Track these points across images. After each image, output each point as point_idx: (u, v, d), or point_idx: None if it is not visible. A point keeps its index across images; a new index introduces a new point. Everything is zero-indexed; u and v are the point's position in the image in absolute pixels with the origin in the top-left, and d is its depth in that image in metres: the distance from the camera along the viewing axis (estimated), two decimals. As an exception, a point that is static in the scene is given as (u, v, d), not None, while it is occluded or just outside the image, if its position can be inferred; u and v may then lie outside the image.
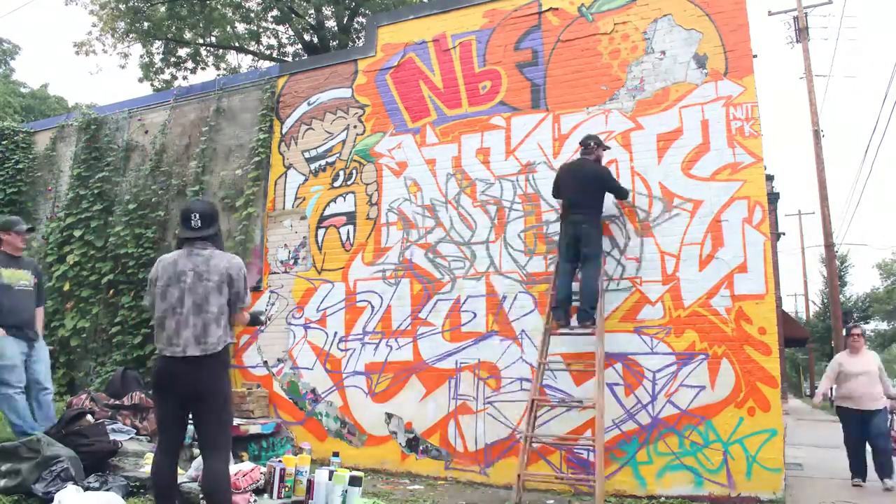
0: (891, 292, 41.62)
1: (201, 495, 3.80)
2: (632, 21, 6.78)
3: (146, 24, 17.71)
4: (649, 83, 6.59)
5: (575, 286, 6.13)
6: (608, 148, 6.42)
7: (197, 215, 3.73)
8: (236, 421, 6.73)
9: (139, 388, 6.86)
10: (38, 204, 10.40)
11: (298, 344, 7.71)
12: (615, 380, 6.15)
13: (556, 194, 6.49)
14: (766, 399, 5.63)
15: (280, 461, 4.14)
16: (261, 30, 19.86)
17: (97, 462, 4.94)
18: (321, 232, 7.89)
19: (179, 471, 4.77)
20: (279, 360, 7.75)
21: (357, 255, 7.63)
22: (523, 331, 6.61)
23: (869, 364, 7.17)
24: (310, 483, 4.12)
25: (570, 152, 6.76)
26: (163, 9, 17.59)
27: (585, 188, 6.11)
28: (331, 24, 19.46)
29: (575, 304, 6.09)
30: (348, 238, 7.73)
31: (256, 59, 20.27)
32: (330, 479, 4.12)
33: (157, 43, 18.96)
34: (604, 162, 6.46)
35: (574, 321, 6.04)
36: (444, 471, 6.66)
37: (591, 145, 6.24)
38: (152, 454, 5.26)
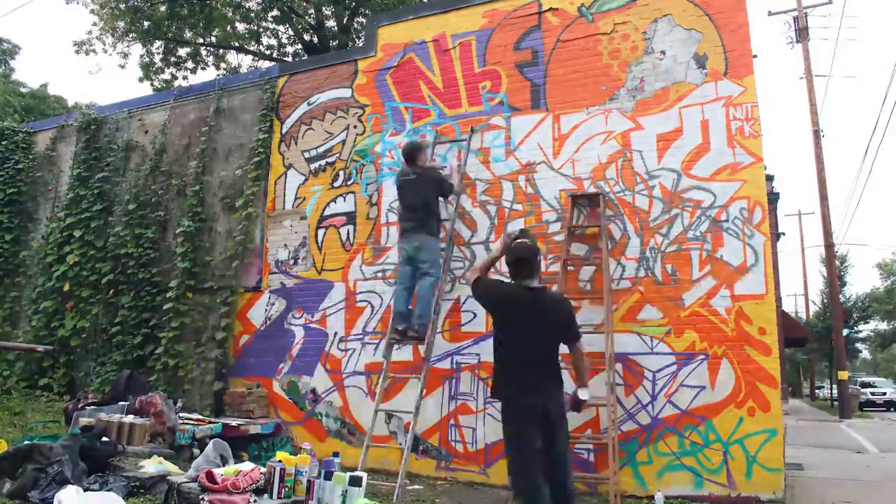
0: (891, 292, 41.56)
1: (201, 496, 3.81)
2: (632, 21, 6.78)
3: (146, 23, 17.71)
4: (649, 83, 6.59)
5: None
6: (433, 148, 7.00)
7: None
8: (236, 421, 6.75)
9: (143, 391, 6.84)
10: (38, 204, 10.41)
11: (298, 344, 7.71)
12: (615, 380, 6.15)
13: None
14: (766, 399, 5.63)
15: (280, 461, 4.14)
16: (261, 30, 19.86)
17: (98, 462, 4.94)
18: (321, 232, 7.89)
19: (179, 471, 4.78)
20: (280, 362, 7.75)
21: (357, 255, 7.63)
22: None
23: None
24: (310, 483, 4.12)
25: (571, 152, 6.77)
26: (163, 8, 17.58)
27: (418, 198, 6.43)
28: (331, 24, 19.45)
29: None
30: (348, 238, 7.73)
31: (256, 59, 20.27)
32: (330, 479, 4.12)
33: (158, 42, 18.95)
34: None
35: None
36: (444, 471, 6.66)
37: (416, 155, 6.59)
38: (154, 455, 5.27)
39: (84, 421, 5.85)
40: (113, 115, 10.03)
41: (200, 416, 7.08)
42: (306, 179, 8.19)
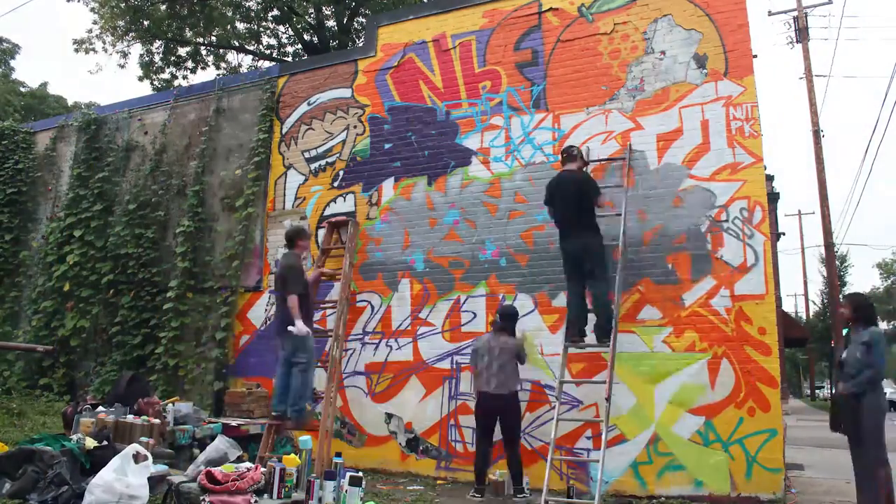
0: (891, 292, 41.60)
1: (202, 496, 3.81)
2: (632, 21, 6.78)
3: (146, 22, 17.69)
4: (649, 83, 6.59)
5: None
6: (586, 161, 6.45)
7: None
8: (236, 421, 6.75)
9: (144, 392, 6.82)
10: (38, 204, 10.41)
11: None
12: (615, 379, 6.14)
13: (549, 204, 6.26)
14: (766, 399, 5.63)
15: (280, 461, 4.14)
16: (261, 29, 19.84)
17: (97, 463, 4.93)
18: (321, 232, 7.88)
19: (177, 472, 4.79)
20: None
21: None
22: (523, 331, 6.61)
23: None
24: (310, 483, 4.12)
25: (570, 152, 6.77)
26: (163, 8, 17.57)
27: (580, 202, 5.91)
28: (331, 24, 19.44)
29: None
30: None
31: (256, 58, 20.24)
32: (330, 479, 4.13)
33: (158, 42, 18.93)
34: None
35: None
36: (444, 471, 6.66)
37: (575, 154, 6.18)
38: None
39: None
40: (113, 115, 10.03)
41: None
42: (306, 179, 8.19)
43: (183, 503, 3.92)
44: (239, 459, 4.58)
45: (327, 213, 7.94)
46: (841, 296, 16.37)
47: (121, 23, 17.37)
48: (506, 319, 6.15)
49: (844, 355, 5.19)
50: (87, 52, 18.13)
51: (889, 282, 43.33)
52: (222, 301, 8.20)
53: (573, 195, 5.90)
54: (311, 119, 8.33)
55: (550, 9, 7.16)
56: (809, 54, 18.70)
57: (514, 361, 5.92)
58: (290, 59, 19.50)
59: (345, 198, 7.87)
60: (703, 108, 6.32)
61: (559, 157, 6.37)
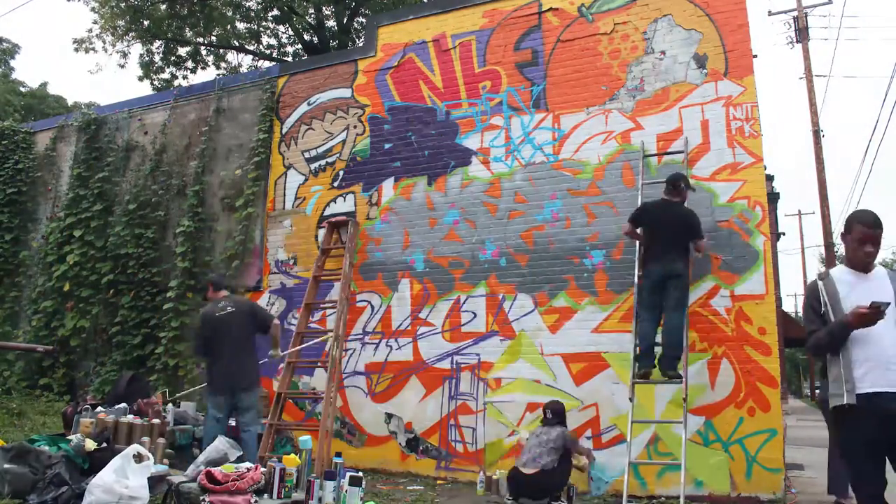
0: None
1: (202, 496, 3.81)
2: (632, 21, 6.78)
3: (146, 22, 17.69)
4: (649, 83, 6.59)
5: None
6: (694, 189, 6.01)
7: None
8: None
9: (144, 392, 6.82)
10: (38, 204, 10.41)
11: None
12: (615, 379, 6.15)
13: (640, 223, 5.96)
14: (766, 399, 5.63)
15: (280, 461, 4.14)
16: (261, 29, 19.84)
17: (97, 463, 4.93)
18: (321, 232, 7.88)
19: (177, 472, 4.79)
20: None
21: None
22: (523, 331, 6.61)
23: None
24: (309, 483, 4.13)
25: (571, 152, 6.77)
26: (163, 7, 17.57)
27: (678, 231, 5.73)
28: (331, 24, 19.44)
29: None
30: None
31: (256, 58, 20.23)
32: (330, 479, 4.14)
33: (157, 42, 18.93)
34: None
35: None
36: (444, 471, 6.66)
37: (682, 186, 5.85)
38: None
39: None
40: (113, 114, 10.03)
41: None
42: (306, 179, 8.19)
43: (183, 503, 3.92)
44: (239, 459, 4.57)
45: (327, 213, 7.94)
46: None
47: (121, 22, 17.36)
48: (556, 415, 5.71)
49: None
50: (87, 51, 18.13)
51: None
52: (222, 301, 8.18)
53: (682, 226, 5.73)
54: (311, 119, 8.33)
55: (550, 9, 7.16)
56: (809, 54, 18.69)
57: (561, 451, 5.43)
58: (290, 59, 19.49)
59: (345, 198, 7.87)
60: (703, 108, 6.32)
61: (666, 185, 5.92)
